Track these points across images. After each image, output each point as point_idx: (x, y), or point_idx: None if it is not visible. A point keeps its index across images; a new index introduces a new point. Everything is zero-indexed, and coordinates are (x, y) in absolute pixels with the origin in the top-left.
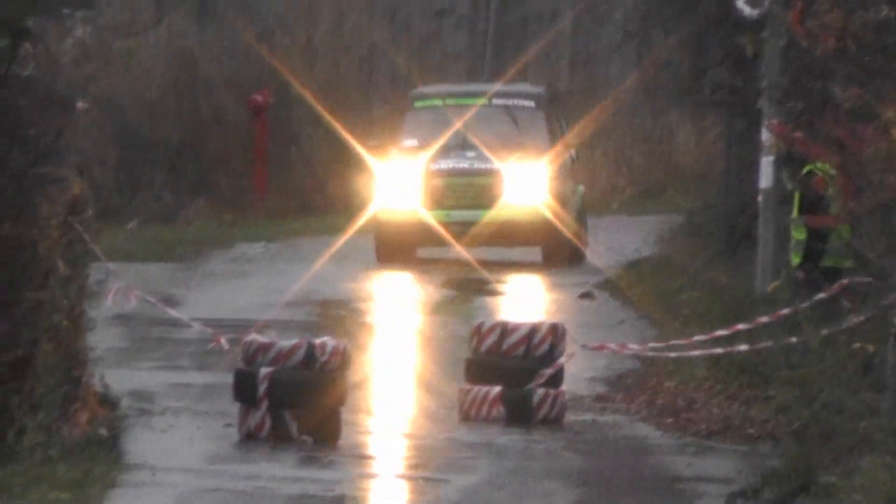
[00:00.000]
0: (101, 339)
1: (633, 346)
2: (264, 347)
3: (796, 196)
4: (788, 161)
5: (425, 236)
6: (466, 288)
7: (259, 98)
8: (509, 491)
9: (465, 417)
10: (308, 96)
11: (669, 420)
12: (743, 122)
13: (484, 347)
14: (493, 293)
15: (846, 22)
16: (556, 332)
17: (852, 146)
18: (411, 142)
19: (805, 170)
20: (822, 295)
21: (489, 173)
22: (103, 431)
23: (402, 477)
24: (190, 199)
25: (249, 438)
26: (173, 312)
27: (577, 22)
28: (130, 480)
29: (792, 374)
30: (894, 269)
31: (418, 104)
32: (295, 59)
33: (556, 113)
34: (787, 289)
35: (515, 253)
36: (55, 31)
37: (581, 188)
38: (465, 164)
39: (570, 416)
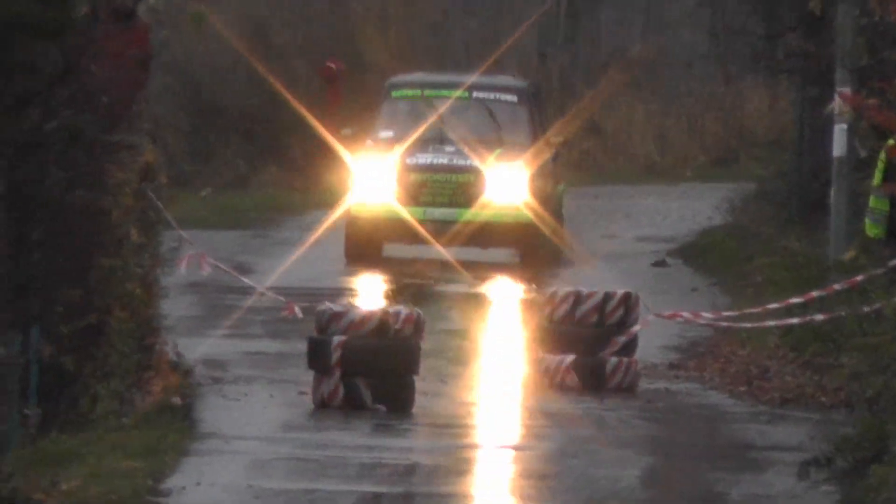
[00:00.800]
0: (175, 308)
1: (706, 315)
2: (338, 315)
3: (880, 165)
4: (865, 129)
5: (399, 234)
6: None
7: (332, 65)
8: (583, 459)
9: (539, 385)
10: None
11: (742, 388)
12: (816, 88)
13: (557, 316)
14: (567, 263)
15: None
16: (629, 300)
17: None
18: (387, 133)
19: (891, 141)
20: (894, 262)
21: (468, 171)
22: (176, 399)
23: (476, 446)
24: (262, 166)
25: (322, 406)
26: (246, 280)
27: None
28: (203, 448)
29: (865, 342)
30: None
31: (395, 94)
32: (367, 26)
33: (538, 108)
34: (862, 256)
35: (490, 253)
36: None
37: (562, 187)
38: (443, 160)
39: (643, 385)
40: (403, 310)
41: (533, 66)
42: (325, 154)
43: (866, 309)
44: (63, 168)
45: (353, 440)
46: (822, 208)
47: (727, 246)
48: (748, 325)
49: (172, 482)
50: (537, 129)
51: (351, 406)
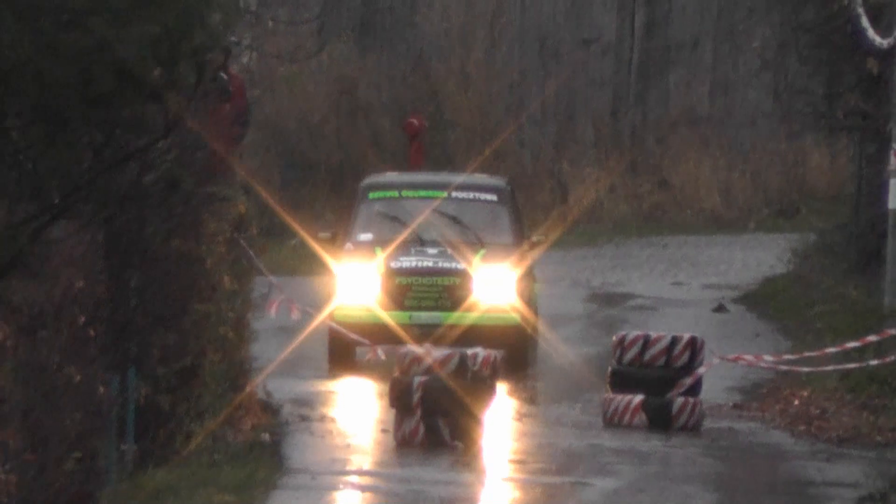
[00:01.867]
0: (265, 350)
1: (768, 358)
2: (418, 358)
3: None
4: None
5: (383, 339)
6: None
7: (415, 122)
8: (650, 494)
9: (609, 424)
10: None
11: (802, 428)
12: (874, 145)
13: (627, 358)
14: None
15: None
16: (694, 344)
17: None
18: (366, 236)
19: None
20: None
21: (454, 273)
22: (266, 437)
23: (549, 481)
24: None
25: (404, 444)
26: (334, 325)
27: (716, 50)
28: (291, 483)
29: None
30: None
31: (372, 195)
32: (449, 84)
33: (516, 205)
34: None
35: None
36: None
37: (537, 285)
38: (428, 263)
39: (707, 424)
40: (481, 352)
41: (606, 123)
42: None
43: None
44: (161, 218)
45: (433, 476)
46: (879, 259)
47: (788, 293)
48: (808, 368)
49: None
50: (518, 227)
51: (431, 443)
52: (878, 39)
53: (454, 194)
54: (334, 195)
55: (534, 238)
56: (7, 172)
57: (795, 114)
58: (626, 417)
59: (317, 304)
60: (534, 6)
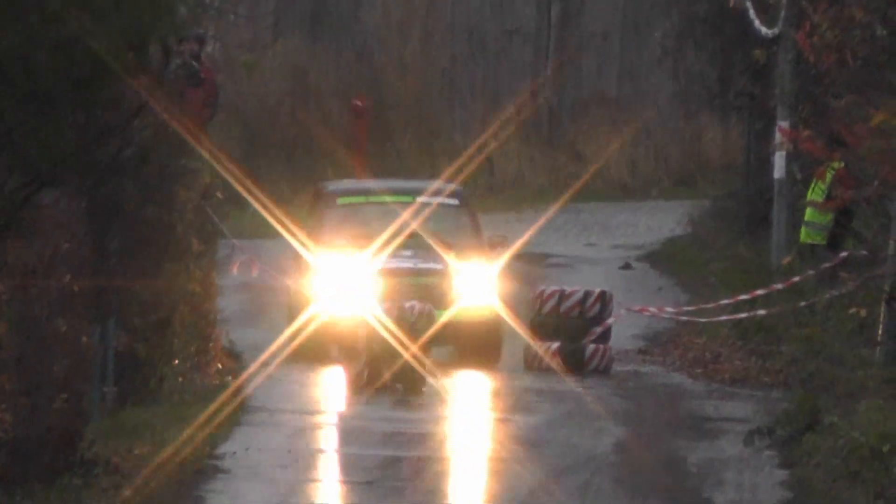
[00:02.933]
0: (228, 303)
1: (669, 310)
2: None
3: (824, 186)
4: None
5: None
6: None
7: (359, 103)
8: (567, 429)
9: (529, 368)
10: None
11: (699, 370)
12: (761, 123)
13: (545, 310)
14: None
15: (844, 39)
16: (604, 297)
17: (851, 144)
18: (339, 241)
19: (836, 164)
20: (825, 265)
21: (434, 273)
22: (229, 379)
23: (477, 418)
24: (302, 186)
25: (352, 386)
26: (289, 281)
27: (623, 39)
28: (252, 420)
29: (800, 333)
30: (885, 245)
31: (341, 201)
32: (389, 71)
33: (474, 209)
34: (797, 261)
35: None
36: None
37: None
38: (408, 264)
39: (616, 367)
40: (418, 304)
41: (526, 104)
42: (352, 176)
43: (801, 304)
44: (137, 188)
45: (377, 413)
46: (766, 222)
47: (687, 253)
48: (704, 318)
49: (226, 448)
50: (479, 229)
51: (375, 386)
52: (764, 29)
53: (419, 199)
54: (289, 168)
55: (493, 239)
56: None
57: (692, 95)
58: (545, 362)
59: (274, 263)
60: (462, 1)
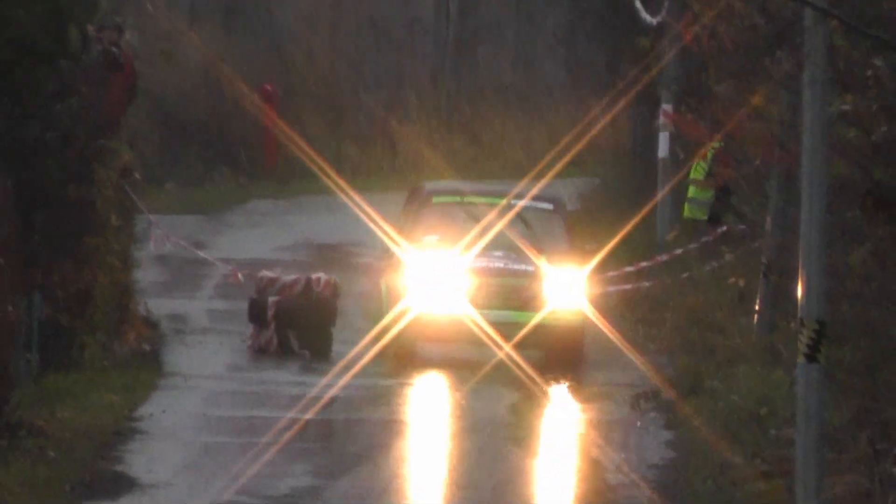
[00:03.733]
0: (145, 275)
1: None
2: (272, 281)
3: (705, 165)
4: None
5: (460, 336)
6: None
7: (269, 88)
8: (468, 393)
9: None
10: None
11: (587, 339)
12: (646, 106)
13: None
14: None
15: (724, 28)
16: None
17: (730, 127)
18: (431, 238)
19: (716, 144)
20: (706, 238)
21: (523, 274)
22: (147, 347)
23: (380, 382)
24: (215, 166)
25: (261, 352)
26: (201, 254)
27: (518, 29)
28: (168, 384)
29: (683, 302)
30: (763, 221)
31: (436, 200)
32: (298, 60)
33: (569, 216)
34: (681, 236)
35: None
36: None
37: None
38: (498, 264)
39: None
40: (323, 276)
41: (427, 90)
42: (261, 158)
43: (684, 276)
44: (59, 168)
45: (285, 378)
46: (651, 198)
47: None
48: (593, 290)
49: (144, 410)
50: (572, 236)
51: (283, 352)
52: (648, 18)
53: (514, 202)
54: (203, 148)
55: (586, 247)
56: None
57: (583, 82)
58: None
59: (187, 238)
60: None
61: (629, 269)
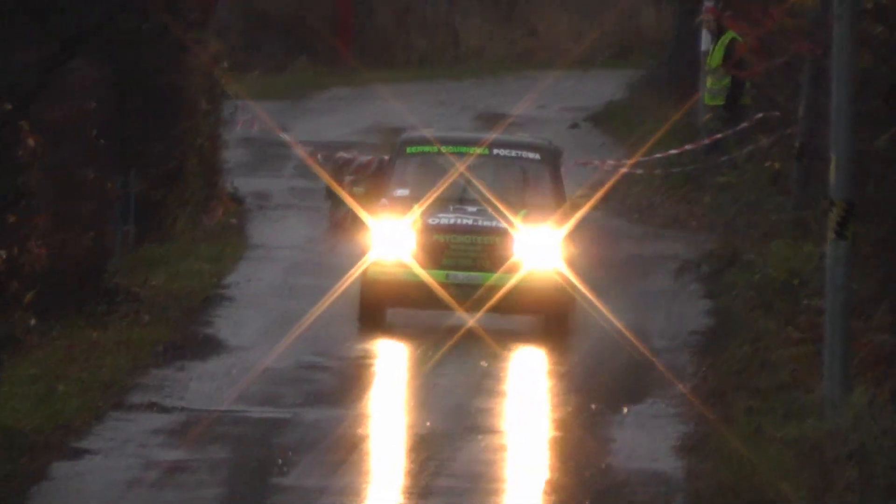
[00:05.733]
0: (232, 156)
1: (611, 163)
2: (348, 161)
3: (720, 52)
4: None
5: (418, 298)
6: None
7: None
8: None
9: None
10: None
11: (636, 216)
12: (689, 3)
13: None
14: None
15: None
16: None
17: (765, 22)
18: (402, 191)
19: (728, 36)
20: (744, 124)
21: (495, 232)
22: (233, 221)
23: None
24: (295, 55)
25: (336, 226)
26: (284, 136)
27: None
28: (253, 255)
29: (722, 182)
30: (796, 107)
31: (410, 150)
32: None
33: (559, 166)
34: (714, 121)
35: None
36: None
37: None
38: (467, 221)
39: None
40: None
41: None
42: (337, 48)
43: (723, 159)
44: (154, 57)
45: (358, 250)
46: (693, 87)
47: (625, 114)
48: (640, 170)
49: (230, 279)
50: (560, 188)
51: (355, 226)
52: None
53: (496, 151)
54: (285, 39)
55: (577, 195)
56: (36, 21)
57: None
58: None
59: (272, 122)
60: None
61: (674, 151)
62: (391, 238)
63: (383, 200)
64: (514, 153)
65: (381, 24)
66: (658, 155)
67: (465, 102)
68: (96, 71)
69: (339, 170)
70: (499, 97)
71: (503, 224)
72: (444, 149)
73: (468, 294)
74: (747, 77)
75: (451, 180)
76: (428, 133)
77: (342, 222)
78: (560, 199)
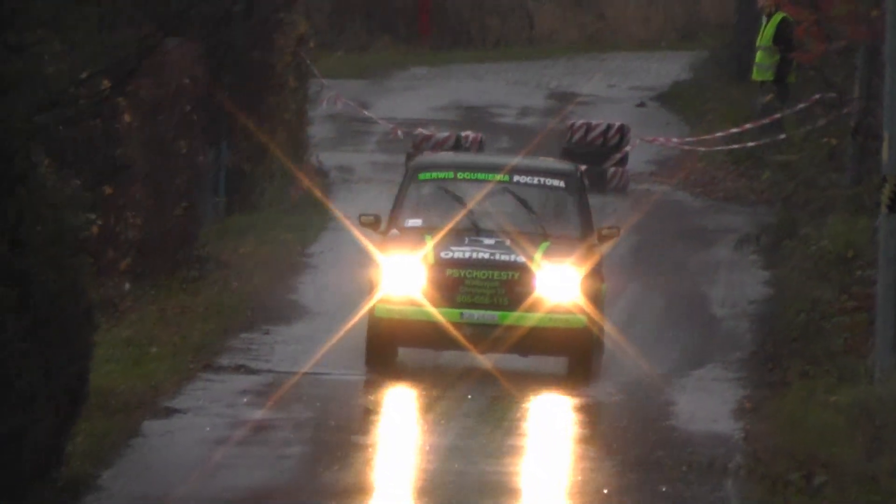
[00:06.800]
0: (317, 131)
1: (675, 140)
2: (427, 137)
3: (770, 31)
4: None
5: (430, 339)
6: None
7: None
8: None
9: None
10: None
11: (699, 190)
12: None
13: (574, 139)
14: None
15: None
16: (623, 129)
17: (823, 6)
18: (414, 221)
19: (780, 16)
20: (802, 105)
21: (514, 267)
22: (318, 193)
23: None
24: (377, 36)
25: None
26: (366, 113)
27: None
28: (335, 226)
29: (781, 159)
30: (851, 89)
31: (422, 176)
32: None
33: (585, 194)
34: (776, 100)
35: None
36: None
37: (605, 286)
38: (484, 255)
39: (632, 186)
40: (471, 133)
41: None
42: (417, 28)
43: (782, 136)
44: (244, 35)
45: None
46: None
47: (689, 94)
48: (703, 147)
49: (314, 248)
50: (586, 218)
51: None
52: None
53: (517, 178)
54: (368, 20)
55: (603, 230)
56: (134, 2)
57: None
58: None
59: (355, 99)
60: None
61: (735, 130)
62: (401, 273)
63: (393, 231)
64: (536, 180)
65: (458, 8)
66: (720, 133)
67: (539, 82)
68: (190, 49)
69: (418, 145)
70: (570, 77)
71: (523, 258)
72: (459, 175)
73: (484, 334)
74: (805, 61)
75: (466, 210)
76: (443, 157)
77: None
78: (587, 230)
